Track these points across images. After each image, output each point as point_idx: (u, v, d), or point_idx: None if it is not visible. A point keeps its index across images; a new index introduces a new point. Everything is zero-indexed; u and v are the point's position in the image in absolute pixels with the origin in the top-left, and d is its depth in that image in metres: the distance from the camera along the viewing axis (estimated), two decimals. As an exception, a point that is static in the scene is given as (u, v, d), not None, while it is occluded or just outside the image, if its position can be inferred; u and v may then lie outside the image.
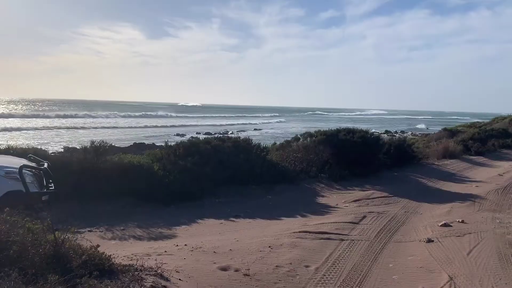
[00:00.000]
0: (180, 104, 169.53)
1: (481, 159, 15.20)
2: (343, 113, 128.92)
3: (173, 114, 76.75)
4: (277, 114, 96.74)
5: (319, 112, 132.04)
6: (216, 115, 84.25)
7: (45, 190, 5.30)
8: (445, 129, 21.81)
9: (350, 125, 13.73)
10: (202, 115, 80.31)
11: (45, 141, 28.41)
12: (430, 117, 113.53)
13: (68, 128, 40.94)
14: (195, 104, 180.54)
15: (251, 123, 60.27)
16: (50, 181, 5.26)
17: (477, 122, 28.50)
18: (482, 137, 18.03)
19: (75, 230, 5.92)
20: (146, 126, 47.67)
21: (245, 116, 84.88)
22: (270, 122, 66.88)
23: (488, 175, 12.07)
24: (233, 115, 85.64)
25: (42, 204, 5.44)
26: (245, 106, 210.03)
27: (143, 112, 74.67)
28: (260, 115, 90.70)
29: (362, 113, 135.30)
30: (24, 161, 5.74)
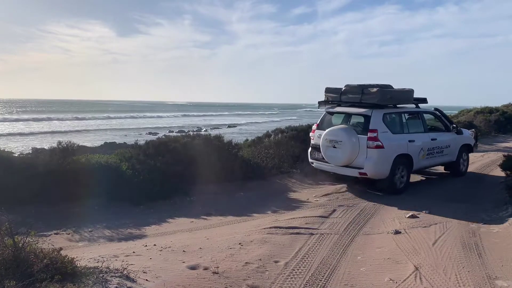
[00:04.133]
0: (168, 103, 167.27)
1: (448, 151, 15.57)
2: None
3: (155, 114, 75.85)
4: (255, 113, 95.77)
5: (310, 109, 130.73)
6: (196, 113, 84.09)
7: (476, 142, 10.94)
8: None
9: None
10: (184, 113, 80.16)
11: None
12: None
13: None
14: (183, 102, 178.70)
15: (227, 122, 59.88)
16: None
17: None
18: (449, 130, 18.44)
19: (40, 234, 5.82)
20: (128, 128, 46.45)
21: (223, 114, 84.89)
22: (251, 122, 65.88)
23: (454, 166, 12.38)
24: (214, 113, 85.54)
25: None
26: (226, 104, 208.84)
27: (125, 114, 72.97)
28: (241, 112, 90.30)
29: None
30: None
